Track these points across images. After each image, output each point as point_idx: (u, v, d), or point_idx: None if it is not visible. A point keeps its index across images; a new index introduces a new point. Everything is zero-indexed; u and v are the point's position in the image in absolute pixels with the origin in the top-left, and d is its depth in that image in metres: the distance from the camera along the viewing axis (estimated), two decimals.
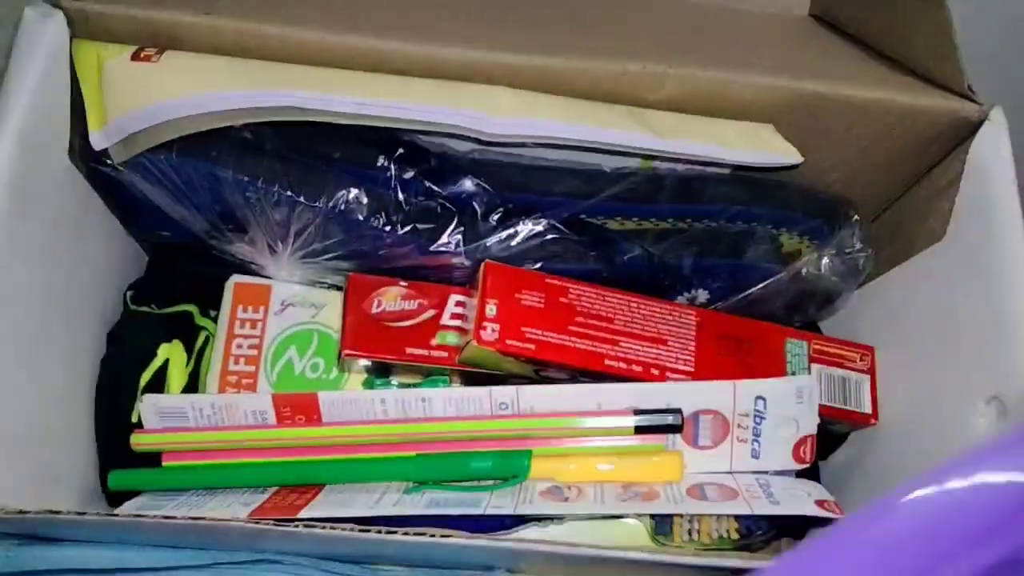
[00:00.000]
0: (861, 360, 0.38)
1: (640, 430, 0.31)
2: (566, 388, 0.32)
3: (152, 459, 0.33)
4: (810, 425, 0.33)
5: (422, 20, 0.33)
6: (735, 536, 0.31)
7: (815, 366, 0.37)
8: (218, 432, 0.32)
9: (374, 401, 0.31)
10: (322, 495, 0.31)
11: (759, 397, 0.33)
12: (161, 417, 0.32)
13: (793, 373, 0.36)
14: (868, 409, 0.37)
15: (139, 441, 0.32)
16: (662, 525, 0.31)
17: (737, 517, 0.31)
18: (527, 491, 0.31)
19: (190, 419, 0.32)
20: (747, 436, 0.33)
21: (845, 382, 0.37)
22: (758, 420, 0.33)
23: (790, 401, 0.33)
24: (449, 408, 0.31)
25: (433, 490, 0.31)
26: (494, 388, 0.31)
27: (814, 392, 0.33)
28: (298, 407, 0.32)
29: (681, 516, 0.31)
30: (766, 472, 0.33)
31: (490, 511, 0.29)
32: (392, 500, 0.30)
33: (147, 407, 0.32)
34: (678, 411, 0.31)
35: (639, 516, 0.31)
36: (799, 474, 0.34)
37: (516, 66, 0.32)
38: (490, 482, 0.31)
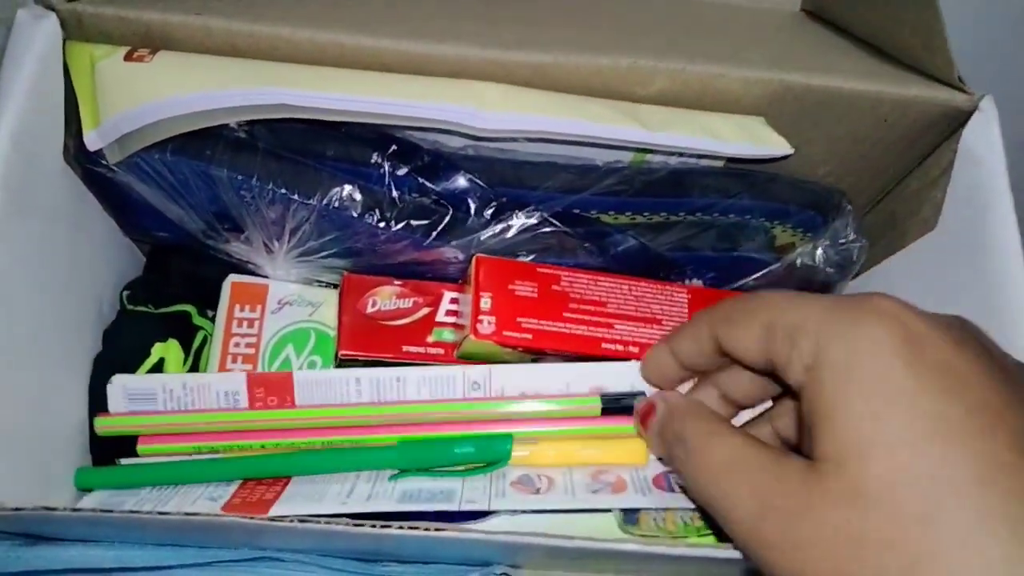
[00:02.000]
0: None
1: (607, 412, 0.31)
2: (537, 367, 0.32)
3: (130, 450, 0.32)
4: None
5: (411, 17, 0.33)
6: (698, 523, 0.31)
7: None
8: (186, 415, 0.31)
9: (348, 381, 0.32)
10: (291, 486, 0.31)
11: None
12: (130, 399, 0.32)
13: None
14: None
15: (103, 424, 0.31)
16: (630, 515, 0.31)
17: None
18: (499, 481, 0.31)
19: (159, 401, 0.32)
20: None
21: None
22: None
23: None
24: (423, 388, 0.32)
25: (404, 479, 0.31)
26: (467, 367, 0.32)
27: None
28: (272, 387, 0.31)
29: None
30: None
31: (465, 507, 0.29)
32: (364, 493, 0.30)
33: (115, 388, 0.32)
34: (642, 393, 0.32)
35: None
36: None
37: (506, 62, 0.32)
38: (462, 468, 0.31)
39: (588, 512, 0.31)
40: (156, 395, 0.32)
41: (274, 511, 0.28)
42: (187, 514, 0.24)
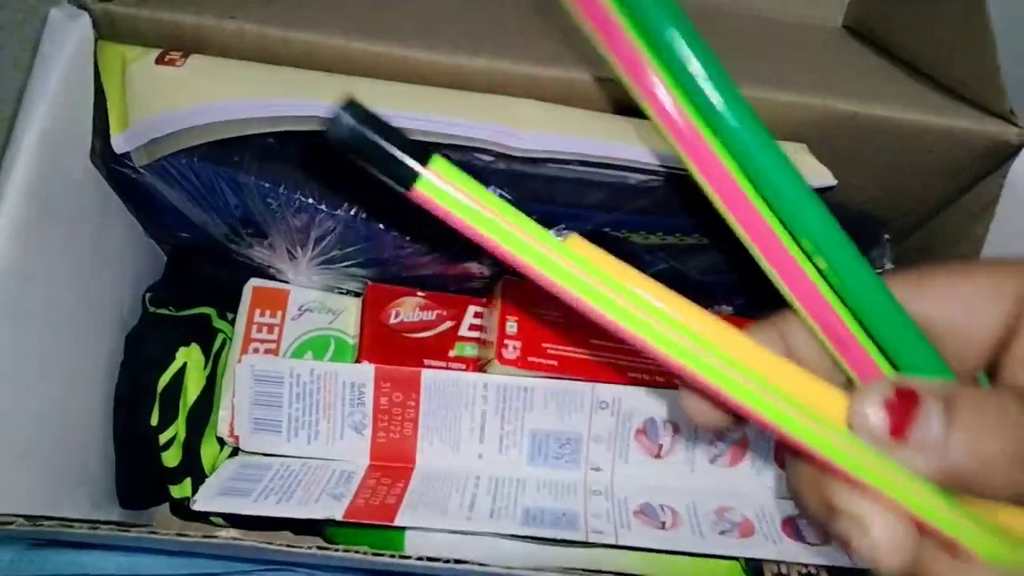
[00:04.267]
0: None
1: None
2: (667, 393, 0.32)
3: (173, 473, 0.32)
4: None
5: (447, 29, 0.33)
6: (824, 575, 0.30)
7: None
8: None
9: (476, 385, 0.32)
10: (413, 487, 0.30)
11: None
12: (256, 380, 0.32)
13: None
14: None
15: None
16: (752, 562, 0.31)
17: None
18: (622, 507, 0.30)
19: (285, 384, 0.32)
20: None
21: None
22: None
23: None
24: (550, 402, 0.32)
25: (526, 495, 0.30)
26: (596, 385, 0.32)
27: None
28: (398, 383, 0.31)
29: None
30: None
31: (592, 538, 0.28)
32: (486, 509, 0.30)
33: (243, 369, 0.32)
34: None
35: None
36: None
37: (543, 78, 0.31)
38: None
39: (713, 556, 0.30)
40: (283, 379, 0.32)
41: (399, 520, 0.28)
42: (204, 536, 0.24)
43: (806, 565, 0.30)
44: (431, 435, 0.32)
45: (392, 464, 0.32)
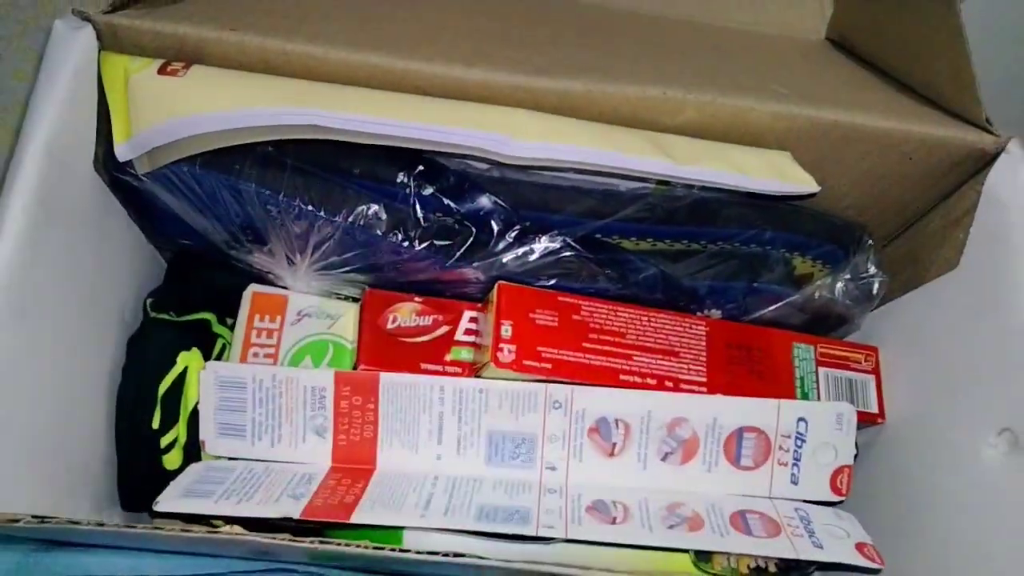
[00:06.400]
0: (866, 361, 0.38)
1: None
2: (621, 392, 0.33)
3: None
4: (847, 455, 0.34)
5: (444, 41, 0.34)
6: (773, 569, 0.31)
7: (822, 369, 0.37)
8: None
9: (433, 388, 0.33)
10: (372, 487, 0.31)
11: (801, 419, 0.33)
12: (220, 385, 0.33)
13: (801, 378, 0.37)
14: (875, 408, 0.38)
15: None
16: (703, 552, 0.32)
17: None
18: (575, 504, 0.31)
19: (248, 389, 0.33)
20: (787, 459, 0.34)
21: (852, 384, 0.38)
22: (799, 443, 0.34)
23: (830, 426, 0.34)
24: (504, 402, 0.33)
25: (482, 493, 0.31)
26: (549, 385, 0.32)
27: (853, 419, 0.34)
28: (358, 387, 0.32)
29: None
30: (804, 501, 0.34)
31: (543, 532, 0.29)
32: (441, 507, 0.30)
33: (207, 375, 0.33)
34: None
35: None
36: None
37: (537, 89, 0.32)
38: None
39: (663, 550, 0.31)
40: (245, 384, 0.33)
41: (355, 518, 0.29)
42: (208, 531, 0.24)
43: (754, 557, 0.31)
44: (391, 437, 0.33)
45: (354, 466, 0.33)
